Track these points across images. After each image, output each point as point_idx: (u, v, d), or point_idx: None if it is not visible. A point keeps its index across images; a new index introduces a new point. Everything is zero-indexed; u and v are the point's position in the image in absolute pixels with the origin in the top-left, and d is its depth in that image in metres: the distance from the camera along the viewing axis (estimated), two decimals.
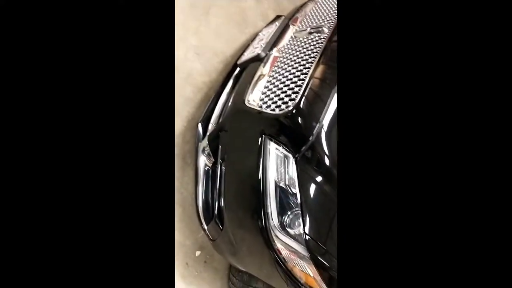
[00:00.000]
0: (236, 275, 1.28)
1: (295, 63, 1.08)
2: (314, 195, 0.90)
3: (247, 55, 1.30)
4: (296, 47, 1.16)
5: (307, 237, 0.87)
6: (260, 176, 0.93)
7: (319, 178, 0.90)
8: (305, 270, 0.91)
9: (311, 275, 0.91)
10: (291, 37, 1.24)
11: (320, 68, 1.01)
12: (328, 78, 0.99)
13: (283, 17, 1.54)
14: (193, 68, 1.52)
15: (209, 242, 1.38)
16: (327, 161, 0.90)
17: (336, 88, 0.95)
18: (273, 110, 0.98)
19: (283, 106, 0.97)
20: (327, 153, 0.91)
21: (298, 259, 0.90)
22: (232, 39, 1.68)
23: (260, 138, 0.96)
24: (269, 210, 0.91)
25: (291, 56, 1.13)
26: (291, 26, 1.31)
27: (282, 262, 0.92)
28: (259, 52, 1.21)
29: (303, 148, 0.91)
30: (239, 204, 1.01)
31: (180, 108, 1.44)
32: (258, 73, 1.14)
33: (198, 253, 1.41)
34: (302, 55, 1.10)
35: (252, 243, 0.97)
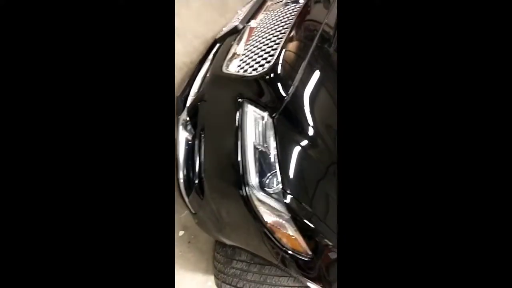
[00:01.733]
0: (220, 251, 1.25)
1: (271, 30, 1.09)
2: (292, 153, 0.89)
3: (225, 30, 1.30)
4: (272, 17, 1.17)
5: (288, 196, 0.86)
6: (238, 140, 0.93)
7: (297, 137, 0.90)
8: (289, 232, 0.90)
9: (294, 236, 0.90)
10: (268, 9, 1.25)
11: (295, 31, 1.01)
12: (303, 40, 1.00)
13: None
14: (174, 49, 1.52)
15: (193, 222, 1.37)
16: (303, 120, 0.91)
17: (312, 49, 0.97)
18: (250, 73, 0.98)
19: (260, 69, 0.97)
20: (303, 111, 0.91)
21: (281, 220, 0.89)
22: (212, 21, 1.69)
23: (237, 102, 0.96)
24: (248, 173, 0.90)
25: (268, 25, 1.14)
26: (268, 1, 1.33)
27: (265, 226, 0.91)
28: (237, 24, 1.21)
29: (280, 107, 0.91)
30: (218, 171, 1.00)
31: None
32: (235, 44, 1.15)
33: (181, 233, 1.39)
34: (279, 22, 1.10)
35: (233, 208, 0.96)
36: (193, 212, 1.16)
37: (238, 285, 1.13)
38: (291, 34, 1.00)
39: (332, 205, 0.87)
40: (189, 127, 1.17)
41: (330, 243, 0.86)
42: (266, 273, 1.09)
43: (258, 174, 0.90)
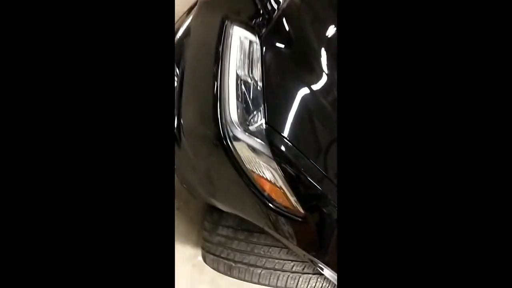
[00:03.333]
0: (207, 217, 1.09)
1: None
2: (282, 80, 0.70)
3: None
4: None
5: (272, 132, 0.67)
6: (218, 68, 0.75)
7: (290, 61, 0.71)
8: (276, 183, 0.71)
9: (282, 188, 0.71)
10: None
11: None
12: None
13: None
14: None
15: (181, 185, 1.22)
16: (300, 40, 0.71)
17: None
18: None
19: None
20: (300, 30, 0.72)
21: (264, 165, 0.70)
22: None
23: (222, 23, 0.78)
24: (226, 107, 0.72)
25: None
26: None
27: (244, 172, 0.72)
28: None
29: (269, 27, 0.72)
30: (194, 109, 0.83)
31: None
32: None
33: None
34: None
35: (210, 153, 0.79)
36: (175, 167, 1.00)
37: (222, 255, 0.96)
38: None
39: (328, 147, 0.66)
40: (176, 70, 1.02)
41: (326, 196, 0.66)
42: (254, 242, 0.90)
43: (239, 110, 0.72)
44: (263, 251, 0.89)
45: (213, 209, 1.08)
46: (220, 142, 0.72)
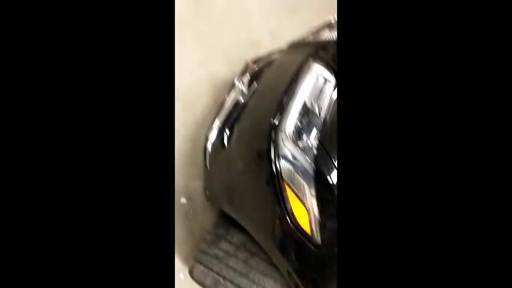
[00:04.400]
0: (212, 230, 1.06)
1: None
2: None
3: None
4: None
5: (320, 148, 0.70)
6: (289, 89, 0.83)
7: None
8: (303, 196, 0.71)
9: (307, 204, 0.70)
10: None
11: None
12: None
13: None
14: (262, 41, 1.58)
15: (201, 195, 1.23)
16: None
17: None
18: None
19: None
20: None
21: (300, 179, 0.72)
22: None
23: (306, 59, 0.89)
24: (285, 118, 0.78)
25: None
26: None
27: (279, 179, 0.74)
28: (331, 18, 1.21)
29: None
30: (254, 118, 0.90)
31: (235, 64, 1.45)
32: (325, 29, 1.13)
33: (183, 200, 1.24)
34: None
35: (253, 155, 0.82)
36: (208, 167, 1.04)
37: (214, 268, 0.91)
38: None
39: None
40: (244, 88, 1.12)
41: None
42: (253, 266, 0.87)
43: (296, 127, 0.77)
44: (257, 279, 0.85)
45: (221, 225, 1.06)
46: (267, 147, 0.76)
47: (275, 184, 0.74)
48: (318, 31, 1.12)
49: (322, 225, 0.69)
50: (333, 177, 0.68)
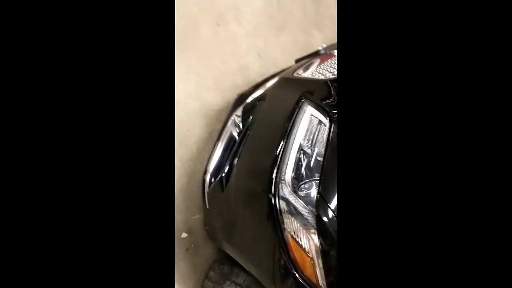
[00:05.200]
0: (216, 268, 1.07)
1: None
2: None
3: (306, 55, 1.32)
4: None
5: (322, 204, 0.72)
6: (285, 134, 0.85)
7: None
8: (308, 251, 0.73)
9: (311, 253, 0.72)
10: None
11: None
12: None
13: None
14: (251, 65, 1.58)
15: (201, 229, 1.24)
16: None
17: None
18: (320, 78, 0.94)
19: (331, 76, 0.93)
20: None
21: (304, 232, 0.73)
22: (293, 59, 1.76)
23: (298, 100, 0.90)
24: (284, 168, 0.79)
25: None
26: None
27: (282, 231, 0.75)
28: (320, 49, 1.23)
29: None
30: (252, 162, 0.91)
31: (226, 91, 1.45)
32: (314, 60, 1.14)
33: (184, 235, 1.24)
34: None
35: (253, 202, 0.84)
36: (208, 207, 1.04)
37: None
38: None
39: None
40: (238, 123, 1.13)
41: None
42: None
43: (294, 174, 0.79)
44: None
45: (225, 261, 1.07)
46: (267, 196, 0.77)
47: (277, 233, 0.75)
48: (307, 63, 1.13)
49: (326, 272, 0.71)
50: (330, 223, 0.70)
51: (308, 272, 0.72)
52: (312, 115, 0.87)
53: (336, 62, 1.08)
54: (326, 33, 2.03)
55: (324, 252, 0.70)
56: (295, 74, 1.03)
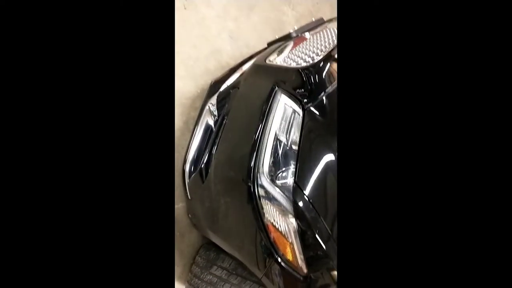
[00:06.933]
0: (203, 254, 1.11)
1: (324, 42, 1.07)
2: (315, 152, 0.81)
3: (277, 37, 1.31)
4: (328, 35, 1.17)
5: (299, 192, 0.75)
6: (261, 124, 0.86)
7: (326, 137, 0.82)
8: (288, 237, 0.77)
9: (292, 244, 0.77)
10: (326, 28, 1.26)
11: None
12: None
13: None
14: (223, 48, 1.55)
15: (187, 218, 1.26)
16: (329, 112, 0.83)
17: None
18: (292, 66, 0.95)
19: (303, 64, 0.94)
20: (331, 106, 0.84)
21: (283, 219, 0.77)
22: (265, 39, 1.74)
23: (272, 89, 0.91)
24: (261, 159, 0.82)
25: (322, 39, 1.13)
26: (327, 24, 1.35)
27: (262, 220, 0.79)
28: (291, 32, 1.22)
29: (316, 100, 0.85)
30: (230, 151, 0.92)
31: (199, 77, 1.43)
32: (286, 44, 1.14)
33: None
34: (332, 39, 1.09)
35: (234, 193, 0.86)
36: (189, 197, 1.06)
37: None
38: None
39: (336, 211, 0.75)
40: (214, 111, 1.13)
41: (328, 256, 0.72)
42: None
43: (271, 163, 0.82)
44: None
45: (210, 246, 1.11)
46: (247, 185, 0.80)
47: (258, 220, 0.79)
48: (280, 47, 1.13)
49: (306, 254, 0.76)
50: (309, 212, 0.74)
51: (288, 256, 0.77)
52: (285, 104, 0.89)
53: (308, 46, 1.09)
54: (298, 10, 2.00)
55: (301, 232, 0.74)
56: (267, 61, 1.03)
